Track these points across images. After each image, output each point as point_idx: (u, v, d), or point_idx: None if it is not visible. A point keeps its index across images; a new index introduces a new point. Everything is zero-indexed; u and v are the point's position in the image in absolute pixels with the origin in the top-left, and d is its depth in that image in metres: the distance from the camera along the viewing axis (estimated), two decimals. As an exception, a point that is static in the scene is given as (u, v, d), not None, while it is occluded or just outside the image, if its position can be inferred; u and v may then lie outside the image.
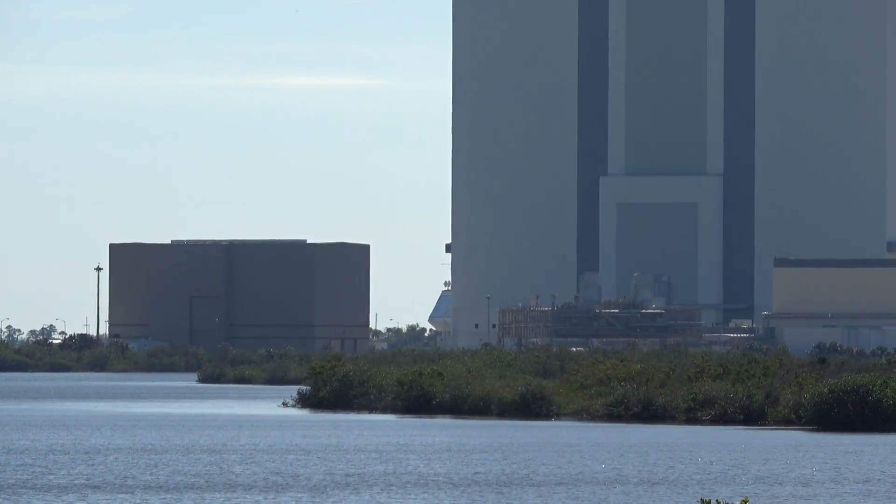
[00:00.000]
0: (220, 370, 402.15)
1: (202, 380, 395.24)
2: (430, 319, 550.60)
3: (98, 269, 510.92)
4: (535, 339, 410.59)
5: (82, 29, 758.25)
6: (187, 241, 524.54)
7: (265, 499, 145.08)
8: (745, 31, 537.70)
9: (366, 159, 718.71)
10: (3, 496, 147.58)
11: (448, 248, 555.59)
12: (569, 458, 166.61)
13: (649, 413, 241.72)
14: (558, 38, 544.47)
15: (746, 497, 39.60)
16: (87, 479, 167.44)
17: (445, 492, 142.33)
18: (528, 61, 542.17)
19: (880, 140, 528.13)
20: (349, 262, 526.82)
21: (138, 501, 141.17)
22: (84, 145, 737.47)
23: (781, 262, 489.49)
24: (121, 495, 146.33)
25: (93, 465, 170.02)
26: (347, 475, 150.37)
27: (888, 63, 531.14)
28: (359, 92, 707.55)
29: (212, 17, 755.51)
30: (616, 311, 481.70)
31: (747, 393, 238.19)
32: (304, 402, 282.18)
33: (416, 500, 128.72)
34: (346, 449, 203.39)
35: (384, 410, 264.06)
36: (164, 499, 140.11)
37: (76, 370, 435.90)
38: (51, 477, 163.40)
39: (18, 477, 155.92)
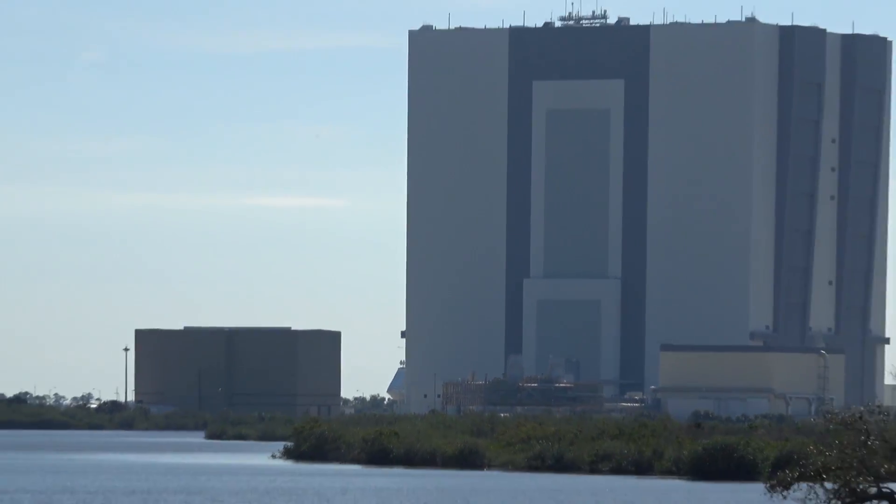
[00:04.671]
0: (222, 429, 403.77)
1: (208, 437, 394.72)
2: (389, 391, 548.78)
3: (126, 349, 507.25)
4: (471, 407, 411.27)
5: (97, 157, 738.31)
6: (196, 327, 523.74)
7: None
8: (640, 157, 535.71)
9: (338, 263, 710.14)
10: None
11: (403, 334, 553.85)
12: (492, 499, 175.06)
13: (561, 465, 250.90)
14: (491, 165, 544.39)
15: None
16: None
17: None
18: (467, 185, 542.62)
19: (745, 251, 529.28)
20: (324, 345, 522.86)
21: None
22: (111, 249, 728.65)
23: (666, 347, 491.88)
24: None
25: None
26: None
27: (754, 183, 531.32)
28: (326, 209, 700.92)
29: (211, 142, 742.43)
30: (535, 384, 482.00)
31: (638, 450, 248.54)
32: (288, 454, 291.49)
33: None
34: (320, 490, 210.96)
35: (352, 461, 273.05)
36: None
37: (108, 428, 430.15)
38: None
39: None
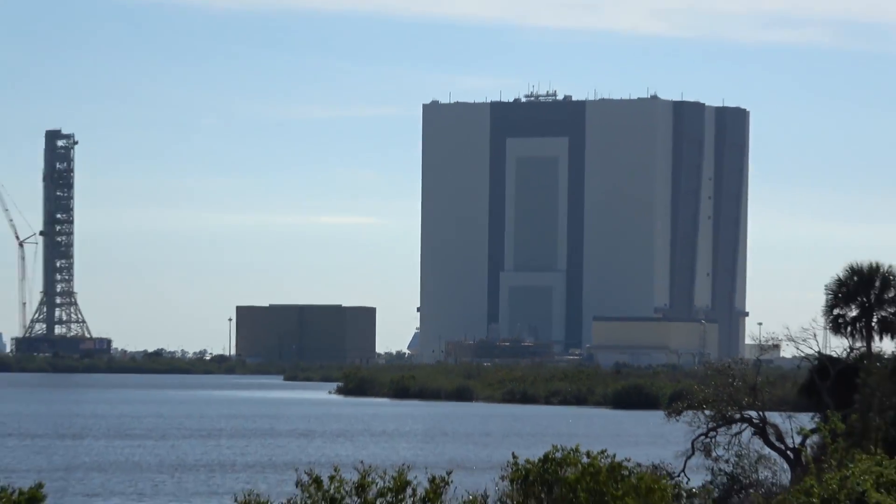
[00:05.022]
0: (294, 374, 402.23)
1: (286, 379, 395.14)
2: (408, 348, 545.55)
3: (230, 319, 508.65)
4: (464, 359, 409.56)
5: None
6: (278, 304, 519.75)
7: (303, 440, 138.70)
8: (579, 189, 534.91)
9: (374, 261, 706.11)
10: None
11: (418, 309, 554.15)
12: (476, 421, 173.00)
13: (525, 398, 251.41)
14: (478, 194, 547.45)
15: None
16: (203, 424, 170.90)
17: (407, 440, 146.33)
18: (462, 208, 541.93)
19: (650, 254, 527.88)
20: (365, 317, 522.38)
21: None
22: (223, 252, 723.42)
23: (597, 318, 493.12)
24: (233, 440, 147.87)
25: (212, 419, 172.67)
26: (353, 429, 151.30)
27: (656, 208, 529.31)
28: (366, 225, 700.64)
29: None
30: (507, 344, 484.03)
31: (577, 388, 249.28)
32: (339, 391, 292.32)
33: (385, 444, 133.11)
34: (359, 414, 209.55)
35: (382, 396, 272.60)
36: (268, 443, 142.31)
37: (217, 373, 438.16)
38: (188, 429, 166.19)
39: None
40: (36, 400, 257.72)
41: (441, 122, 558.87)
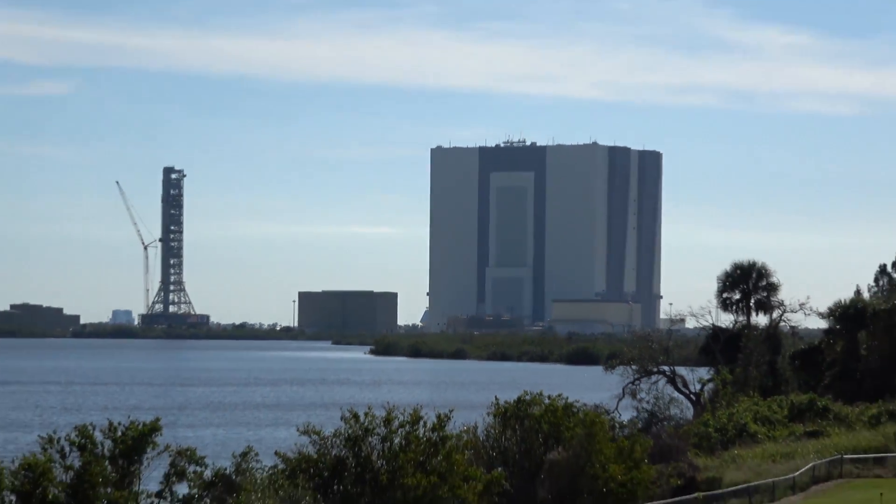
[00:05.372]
0: (339, 340, 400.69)
1: (334, 343, 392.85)
2: (420, 321, 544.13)
3: (293, 301, 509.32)
4: (461, 329, 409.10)
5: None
6: (327, 290, 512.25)
7: (333, 386, 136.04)
8: (541, 209, 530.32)
9: (396, 260, 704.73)
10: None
11: (427, 294, 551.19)
12: (468, 374, 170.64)
13: (504, 357, 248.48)
14: (470, 213, 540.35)
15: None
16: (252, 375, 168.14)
17: (419, 387, 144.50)
18: (458, 222, 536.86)
19: (591, 256, 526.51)
20: (389, 299, 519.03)
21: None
22: (290, 255, 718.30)
23: (556, 300, 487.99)
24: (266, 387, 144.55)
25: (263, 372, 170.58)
26: (381, 379, 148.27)
27: (596, 224, 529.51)
28: (388, 235, 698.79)
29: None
30: (491, 318, 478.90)
31: (541, 350, 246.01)
32: (372, 352, 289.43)
33: (404, 390, 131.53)
34: (384, 368, 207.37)
35: (402, 356, 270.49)
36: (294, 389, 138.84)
37: (285, 339, 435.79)
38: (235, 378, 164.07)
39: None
40: (154, 359, 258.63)
41: (443, 160, 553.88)
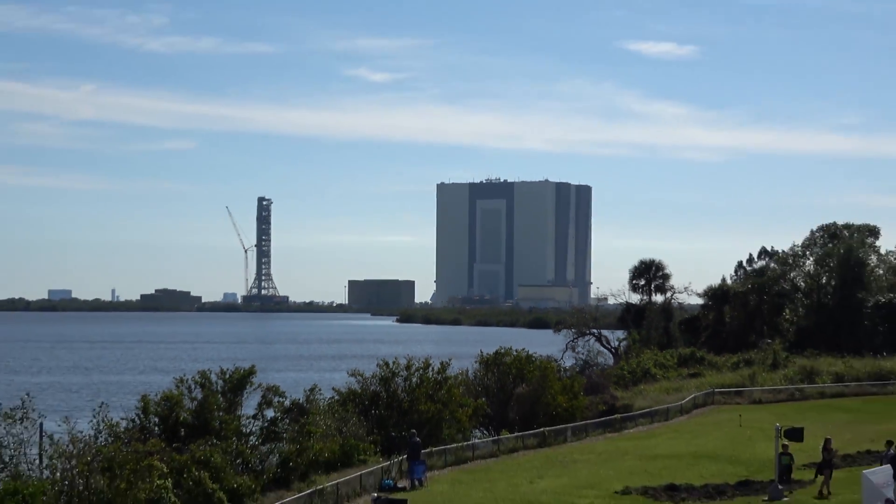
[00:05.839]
0: (376, 312, 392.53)
1: (372, 315, 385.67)
2: (430, 300, 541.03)
3: (344, 286, 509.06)
4: (458, 305, 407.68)
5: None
6: (368, 279, 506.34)
7: (353, 345, 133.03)
8: (511, 225, 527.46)
9: (413, 259, 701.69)
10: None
11: (434, 281, 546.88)
12: (460, 335, 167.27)
13: (486, 324, 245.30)
14: (463, 228, 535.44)
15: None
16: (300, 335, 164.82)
17: (430, 343, 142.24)
18: (454, 235, 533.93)
19: (545, 259, 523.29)
20: (409, 285, 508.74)
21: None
22: (346, 257, 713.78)
23: (521, 285, 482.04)
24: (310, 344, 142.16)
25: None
26: (403, 339, 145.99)
27: (548, 241, 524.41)
28: (407, 243, 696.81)
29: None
30: (478, 298, 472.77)
31: (510, 319, 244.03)
32: (398, 321, 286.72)
33: (418, 345, 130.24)
34: (407, 331, 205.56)
35: (419, 323, 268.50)
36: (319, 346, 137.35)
37: (339, 312, 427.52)
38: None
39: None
40: (251, 326, 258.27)
41: (444, 191, 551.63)
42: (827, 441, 23.51)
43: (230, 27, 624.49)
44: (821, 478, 22.85)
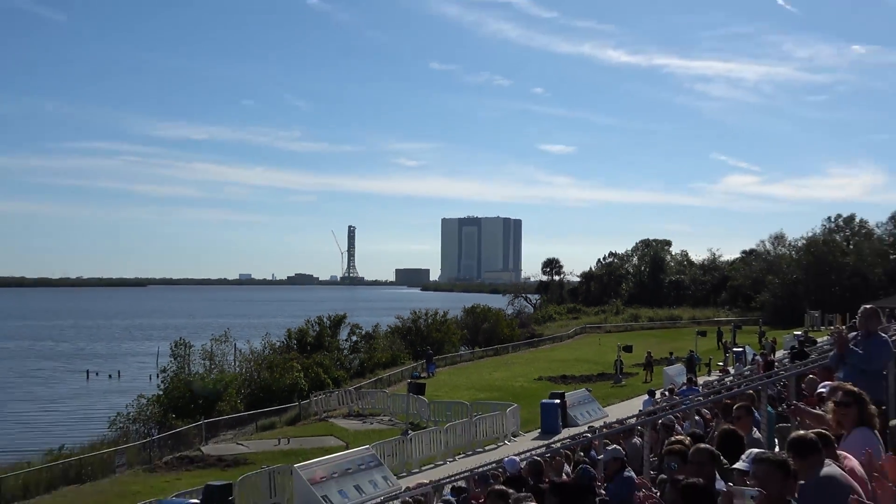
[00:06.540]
0: (411, 286, 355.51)
1: (408, 287, 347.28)
2: (438, 279, 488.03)
3: (394, 271, 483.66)
4: (453, 283, 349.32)
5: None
6: (408, 268, 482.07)
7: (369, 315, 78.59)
8: (481, 242, 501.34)
9: (425, 260, 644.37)
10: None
11: (440, 270, 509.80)
12: (460, 298, 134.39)
13: (468, 292, 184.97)
14: (457, 241, 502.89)
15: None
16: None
17: (432, 302, 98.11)
18: (451, 245, 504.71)
19: (499, 261, 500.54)
20: (426, 273, 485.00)
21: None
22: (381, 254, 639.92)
23: (487, 271, 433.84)
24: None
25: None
26: (420, 301, 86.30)
27: (501, 257, 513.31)
28: (419, 249, 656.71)
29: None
30: (463, 278, 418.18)
31: (480, 289, 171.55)
32: (422, 290, 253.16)
33: (430, 303, 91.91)
34: (420, 295, 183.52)
35: (431, 291, 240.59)
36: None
37: (392, 286, 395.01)
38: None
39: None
40: (344, 293, 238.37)
41: (445, 223, 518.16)
42: (649, 353, 24.59)
43: (337, 136, 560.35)
44: (644, 372, 23.50)
